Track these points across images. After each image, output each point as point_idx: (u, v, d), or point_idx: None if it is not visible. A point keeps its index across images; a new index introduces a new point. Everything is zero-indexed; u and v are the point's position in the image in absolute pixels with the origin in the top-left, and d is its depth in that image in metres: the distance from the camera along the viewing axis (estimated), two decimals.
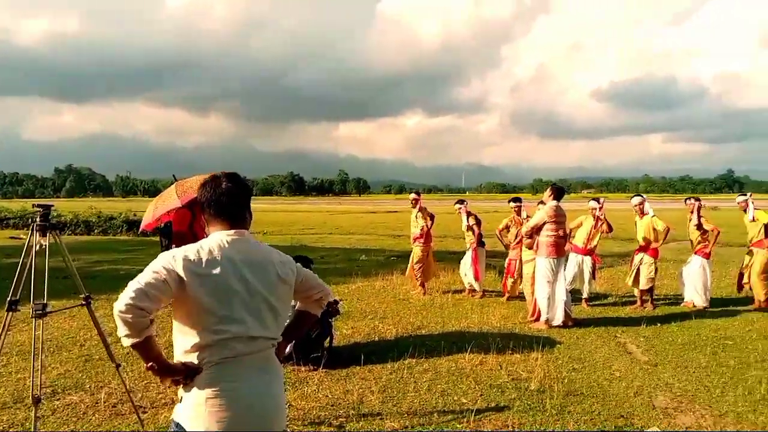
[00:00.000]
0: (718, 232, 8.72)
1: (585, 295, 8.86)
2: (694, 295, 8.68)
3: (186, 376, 2.07)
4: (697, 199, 8.85)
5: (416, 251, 9.65)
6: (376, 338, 6.69)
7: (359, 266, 13.43)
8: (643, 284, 8.59)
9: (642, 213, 8.77)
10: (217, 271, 2.08)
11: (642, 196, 8.94)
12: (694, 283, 8.66)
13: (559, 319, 7.33)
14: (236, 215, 2.26)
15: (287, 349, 5.38)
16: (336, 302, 5.83)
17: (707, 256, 8.67)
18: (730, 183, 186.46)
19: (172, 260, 2.05)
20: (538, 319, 7.52)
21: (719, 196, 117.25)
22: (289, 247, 18.28)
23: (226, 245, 2.16)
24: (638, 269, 8.65)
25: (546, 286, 7.35)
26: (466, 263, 9.62)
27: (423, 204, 9.81)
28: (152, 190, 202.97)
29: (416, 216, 9.73)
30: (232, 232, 2.22)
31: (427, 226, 9.61)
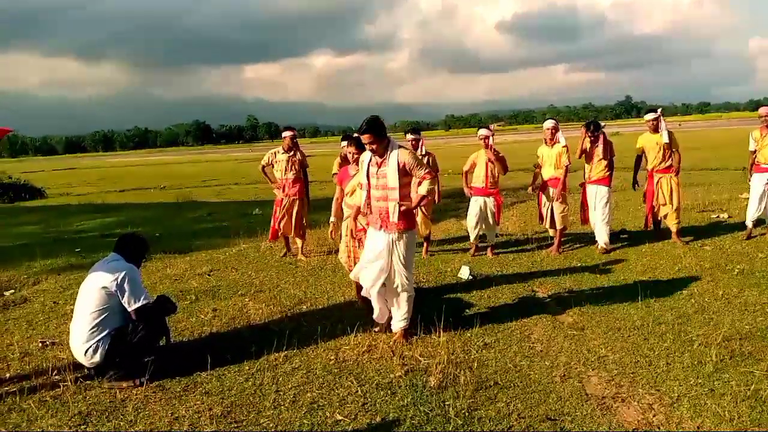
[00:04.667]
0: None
1: (491, 241, 7.65)
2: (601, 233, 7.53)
3: None
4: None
5: (297, 203, 7.88)
6: (241, 324, 5.23)
7: (251, 222, 11.81)
8: (559, 223, 7.55)
9: (552, 140, 7.52)
10: None
11: (556, 121, 7.82)
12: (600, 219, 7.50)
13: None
14: None
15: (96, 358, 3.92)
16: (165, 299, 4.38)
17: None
18: (629, 109, 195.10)
19: None
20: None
21: (619, 122, 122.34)
22: (171, 204, 16.30)
23: None
24: (551, 207, 7.54)
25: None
26: None
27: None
28: (45, 148, 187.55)
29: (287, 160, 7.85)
30: None
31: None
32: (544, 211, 7.68)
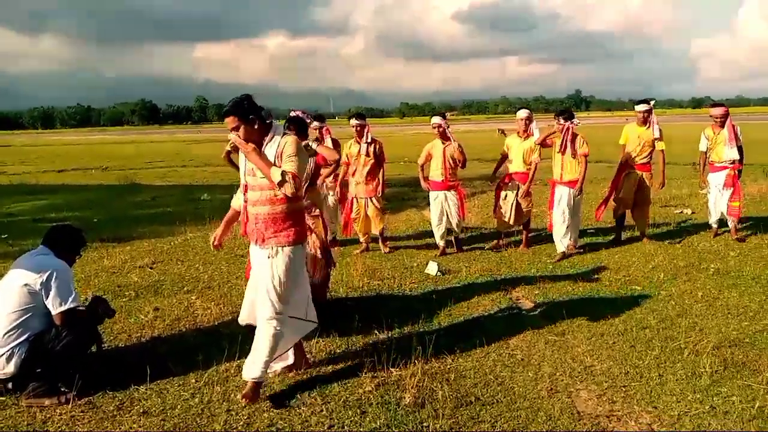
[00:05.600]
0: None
1: (456, 235, 7.13)
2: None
3: None
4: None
5: None
6: (186, 326, 4.66)
7: (199, 207, 11.09)
8: (524, 217, 7.09)
9: (525, 132, 6.99)
10: None
11: (530, 111, 7.20)
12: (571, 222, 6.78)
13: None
14: None
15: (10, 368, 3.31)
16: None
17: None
18: (578, 102, 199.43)
19: None
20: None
21: None
22: (112, 187, 15.30)
23: None
24: (515, 203, 6.96)
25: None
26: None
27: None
28: None
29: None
30: None
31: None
32: (504, 205, 7.08)
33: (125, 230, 8.75)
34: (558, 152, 6.63)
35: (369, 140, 6.95)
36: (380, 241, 7.17)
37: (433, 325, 4.63)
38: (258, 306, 3.47)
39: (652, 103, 7.08)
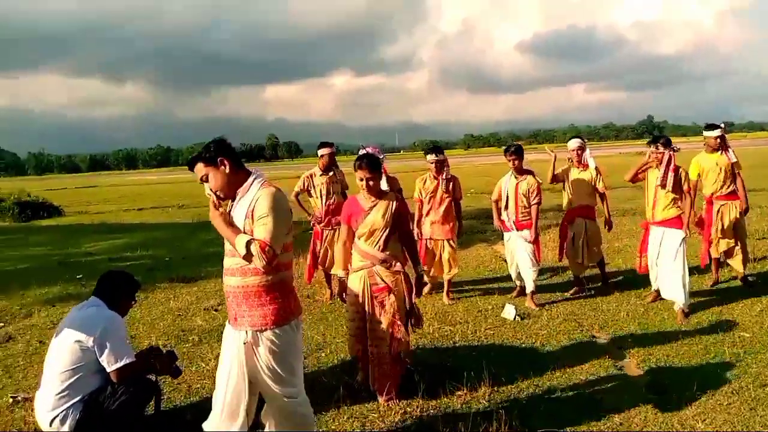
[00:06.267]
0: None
1: (529, 288, 6.07)
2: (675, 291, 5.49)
3: None
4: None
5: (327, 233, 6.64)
6: None
7: None
8: (597, 256, 6.48)
9: (581, 164, 6.41)
10: None
11: (582, 140, 6.56)
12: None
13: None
14: None
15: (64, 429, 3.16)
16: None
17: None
18: (650, 129, 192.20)
19: None
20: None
21: (642, 142, 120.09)
22: (185, 225, 15.64)
23: None
24: (585, 240, 6.30)
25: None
26: None
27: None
28: (69, 165, 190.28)
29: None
30: None
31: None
32: (572, 246, 6.42)
33: (194, 269, 8.75)
34: (658, 185, 5.57)
35: (448, 176, 6.38)
36: (445, 288, 6.46)
37: (515, 380, 4.15)
38: (272, 411, 3.02)
39: (723, 125, 6.32)
